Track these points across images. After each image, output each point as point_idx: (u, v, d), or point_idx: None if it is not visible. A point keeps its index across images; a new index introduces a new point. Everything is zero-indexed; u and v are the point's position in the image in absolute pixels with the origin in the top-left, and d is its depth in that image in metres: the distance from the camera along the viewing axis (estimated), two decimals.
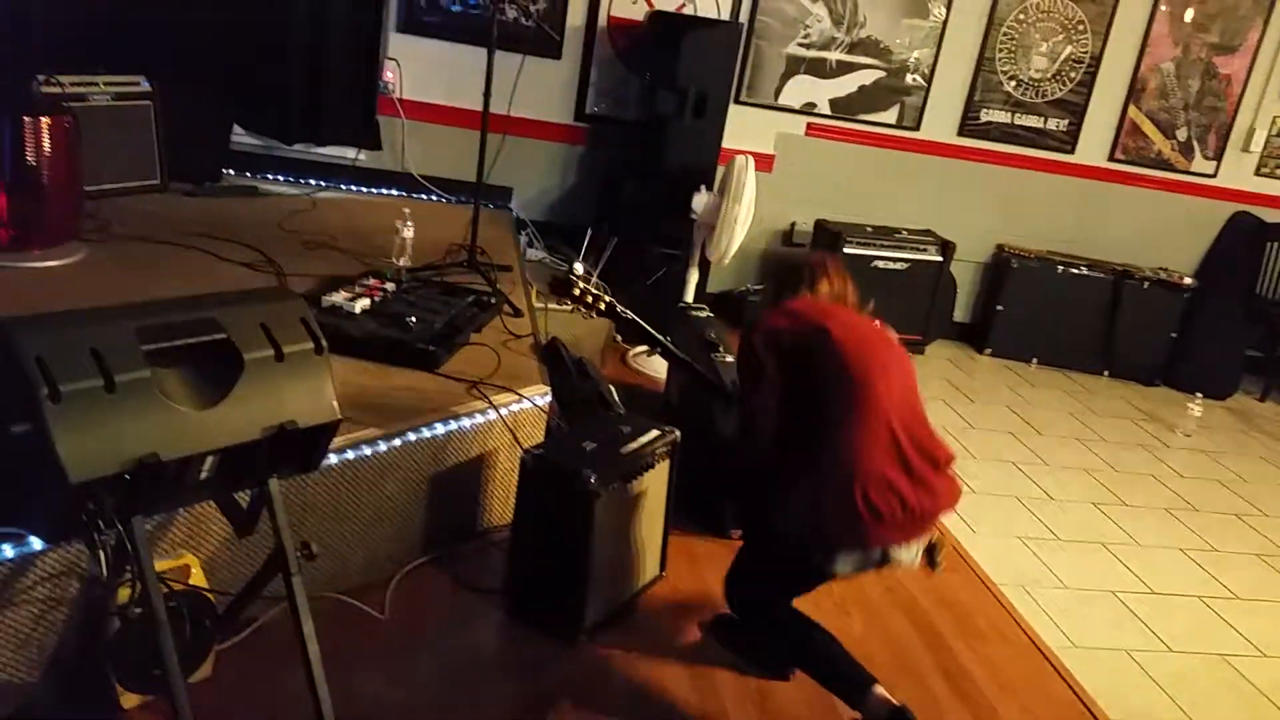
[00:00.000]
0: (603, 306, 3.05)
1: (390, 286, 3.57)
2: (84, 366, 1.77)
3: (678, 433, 2.97)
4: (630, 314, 3.11)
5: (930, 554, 2.49)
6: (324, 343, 2.17)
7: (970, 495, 4.23)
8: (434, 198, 5.21)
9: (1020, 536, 3.97)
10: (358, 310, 3.28)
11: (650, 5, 5.37)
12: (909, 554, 2.40)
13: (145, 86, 4.15)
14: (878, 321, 2.62)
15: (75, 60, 3.97)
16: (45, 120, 3.37)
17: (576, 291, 3.02)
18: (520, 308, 3.86)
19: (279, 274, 3.66)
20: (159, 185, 4.23)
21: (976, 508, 4.10)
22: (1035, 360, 6.16)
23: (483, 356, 3.31)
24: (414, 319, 3.29)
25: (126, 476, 1.75)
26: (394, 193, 5.17)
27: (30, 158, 3.34)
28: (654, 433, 2.92)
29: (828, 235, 5.67)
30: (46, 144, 3.37)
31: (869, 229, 5.71)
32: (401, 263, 3.94)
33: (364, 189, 5.15)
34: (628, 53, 5.44)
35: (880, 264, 5.64)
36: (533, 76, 5.08)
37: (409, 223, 3.96)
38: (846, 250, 5.51)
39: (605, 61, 5.46)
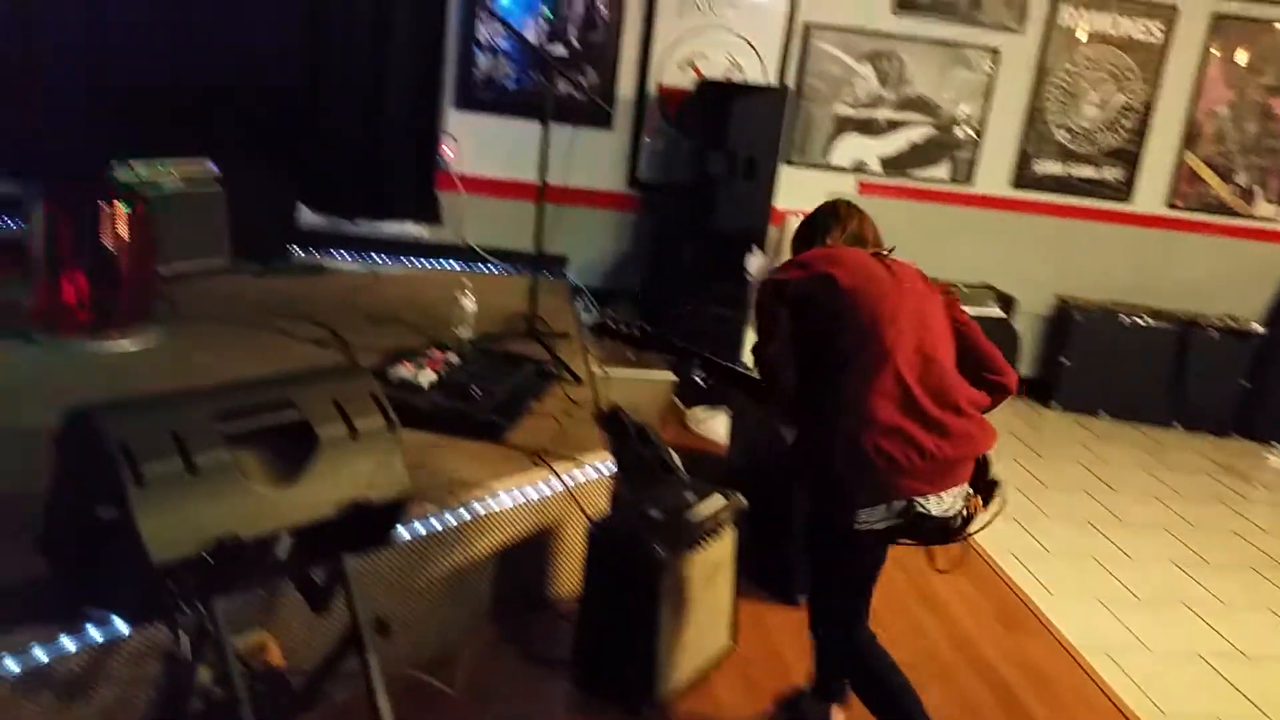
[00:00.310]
0: (638, 334, 2.97)
1: (453, 358, 3.61)
2: (165, 450, 1.81)
3: (742, 498, 2.94)
4: (669, 337, 3.04)
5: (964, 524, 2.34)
6: (395, 418, 2.20)
7: (1045, 556, 4.13)
8: (492, 269, 5.29)
9: (1099, 598, 3.85)
10: (423, 383, 3.32)
11: (699, 74, 5.46)
12: (939, 505, 2.26)
13: (213, 170, 4.29)
14: (898, 262, 2.49)
15: (147, 145, 4.13)
16: (120, 207, 3.49)
17: (613, 327, 2.98)
18: (580, 375, 3.88)
19: (347, 349, 3.73)
20: (228, 266, 4.35)
21: (1052, 569, 3.99)
22: (1104, 413, 6.03)
23: (546, 425, 3.32)
24: (477, 390, 3.32)
25: (207, 557, 1.78)
26: (454, 265, 5.26)
27: (107, 244, 3.46)
28: (719, 499, 2.90)
29: None
30: (122, 230, 3.49)
31: None
32: (464, 334, 3.99)
33: (425, 262, 5.25)
34: (678, 120, 5.52)
35: None
36: (585, 146, 5.19)
37: (470, 294, 4.02)
38: None
39: (655, 129, 5.54)
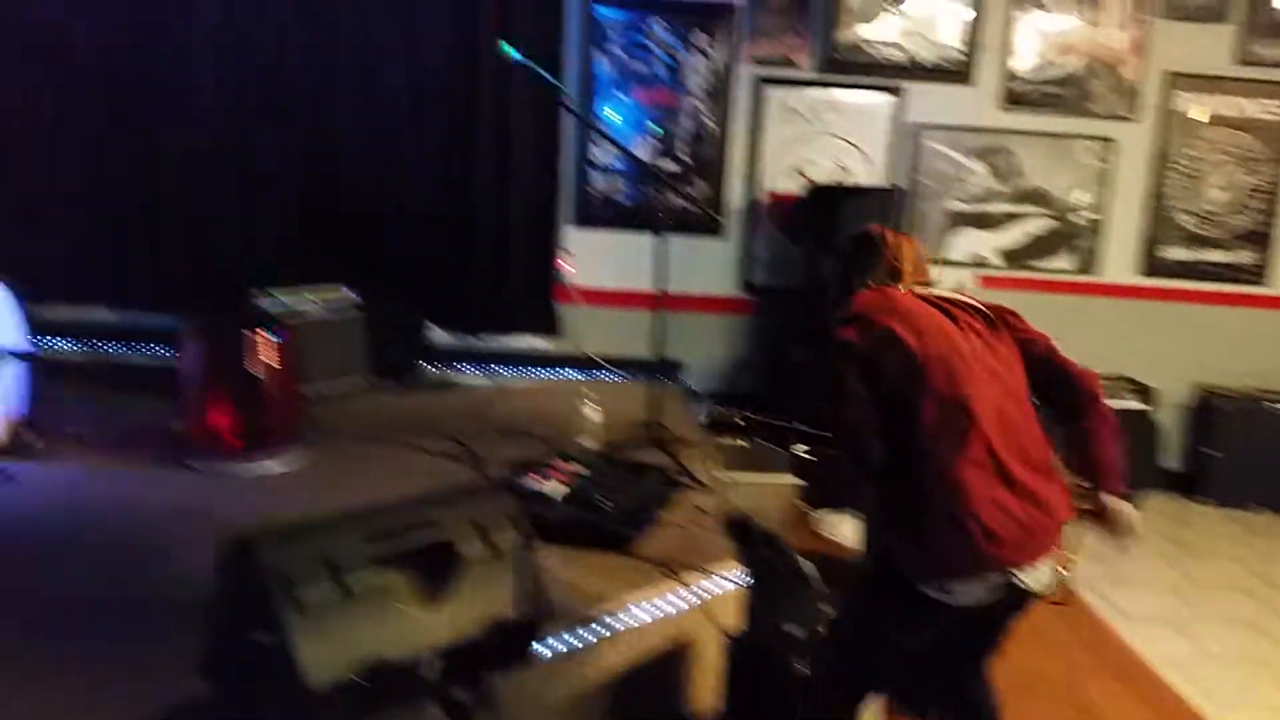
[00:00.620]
0: (743, 422, 2.93)
1: (579, 469, 3.65)
2: (319, 575, 1.88)
3: None
4: (770, 419, 2.99)
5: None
6: (533, 536, 2.24)
7: (1205, 661, 3.87)
8: (613, 377, 5.38)
9: (1269, 707, 3.57)
10: (551, 495, 3.36)
11: (807, 179, 5.53)
12: (1037, 578, 2.18)
13: (351, 296, 4.52)
14: (951, 300, 2.38)
15: (291, 274, 4.39)
16: (267, 335, 3.70)
17: (723, 419, 2.96)
18: (705, 482, 3.87)
19: (478, 463, 3.82)
20: (367, 385, 4.54)
21: (1213, 676, 3.74)
22: (1257, 506, 5.68)
23: (674, 535, 3.31)
24: (605, 500, 3.34)
25: (360, 680, 1.82)
26: (576, 375, 5.37)
27: (256, 370, 3.66)
28: None
29: None
30: (269, 357, 3.69)
31: None
32: (588, 444, 4.04)
33: (548, 373, 5.37)
34: (788, 224, 5.58)
35: None
36: (698, 254, 5.29)
37: (593, 404, 4.08)
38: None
39: (766, 234, 5.61)
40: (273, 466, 3.69)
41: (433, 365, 5.17)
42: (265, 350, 3.69)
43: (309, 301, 4.34)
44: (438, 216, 5.14)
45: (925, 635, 2.31)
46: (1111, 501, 2.29)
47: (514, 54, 3.80)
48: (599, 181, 5.46)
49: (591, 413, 4.06)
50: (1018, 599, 2.21)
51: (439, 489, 2.30)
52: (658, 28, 5.35)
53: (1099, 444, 2.33)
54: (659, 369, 4.29)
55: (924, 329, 2.27)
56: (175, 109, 4.97)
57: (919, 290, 2.45)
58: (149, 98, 4.97)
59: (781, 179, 5.57)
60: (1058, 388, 2.37)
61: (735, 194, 5.58)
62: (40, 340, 3.99)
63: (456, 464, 3.82)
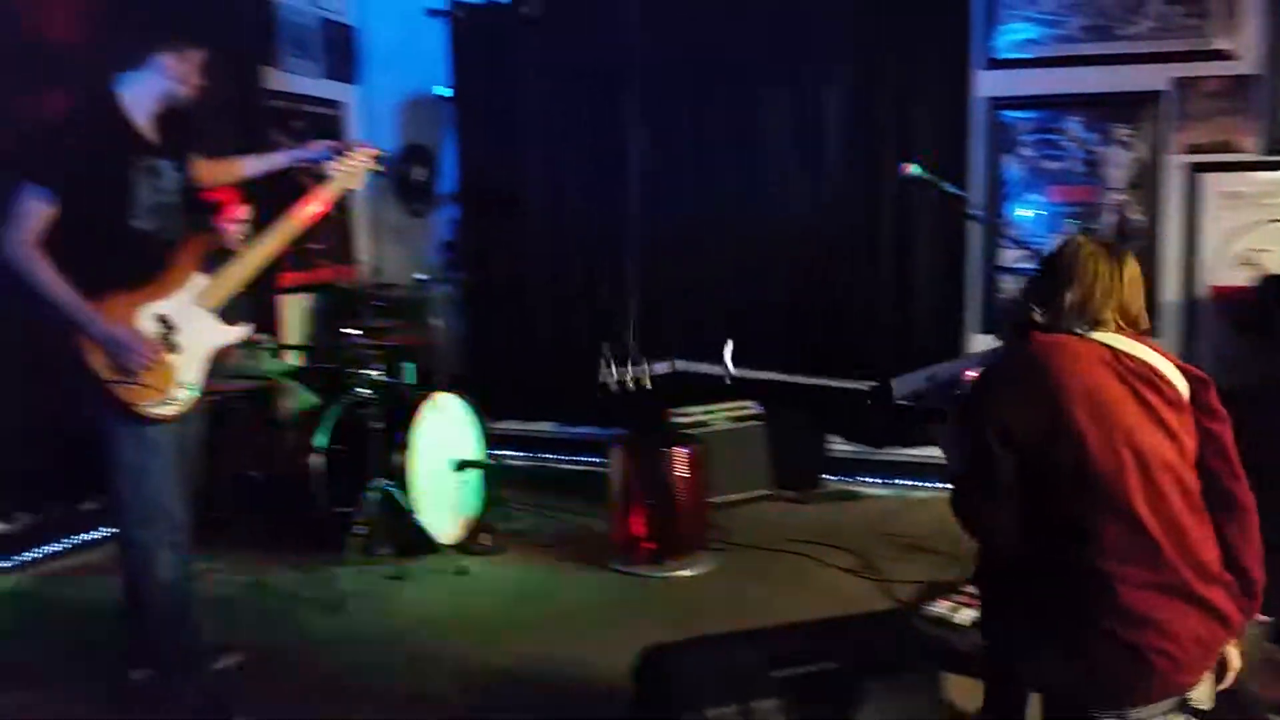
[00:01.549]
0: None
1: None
2: (724, 695, 1.96)
3: None
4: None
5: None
6: (936, 666, 2.16)
7: None
8: None
9: None
10: (961, 621, 3.21)
11: (1260, 268, 4.92)
12: (1202, 693, 1.94)
13: (756, 409, 4.70)
14: (1137, 363, 1.96)
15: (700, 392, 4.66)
16: (680, 450, 3.95)
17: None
18: None
19: (880, 581, 3.76)
20: (769, 494, 4.67)
21: None
22: None
23: None
24: None
25: None
26: None
27: (668, 482, 3.92)
28: None
29: None
30: (681, 469, 3.93)
31: None
32: None
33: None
34: (1239, 320, 4.98)
35: None
36: None
37: None
38: None
39: (1209, 331, 5.04)
40: (683, 571, 3.90)
41: (834, 476, 5.18)
42: (679, 463, 3.94)
43: (717, 415, 4.57)
44: (838, 326, 5.20)
45: None
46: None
47: (920, 172, 3.81)
48: (1008, 286, 5.24)
49: None
50: None
51: (840, 611, 2.30)
52: (1072, 124, 5.10)
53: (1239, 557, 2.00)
54: None
55: (1090, 395, 1.93)
56: (613, 242, 5.53)
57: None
58: (591, 235, 5.59)
59: (1225, 270, 5.00)
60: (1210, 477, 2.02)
61: (1169, 290, 5.09)
62: (493, 451, 4.56)
63: (858, 579, 3.80)
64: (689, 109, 5.36)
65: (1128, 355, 2.00)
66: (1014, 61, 5.06)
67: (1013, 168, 5.17)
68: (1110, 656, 1.88)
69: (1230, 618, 1.94)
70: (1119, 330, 2.04)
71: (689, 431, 4.34)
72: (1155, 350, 2.05)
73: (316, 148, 3.15)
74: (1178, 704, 1.93)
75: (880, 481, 5.19)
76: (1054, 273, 2.08)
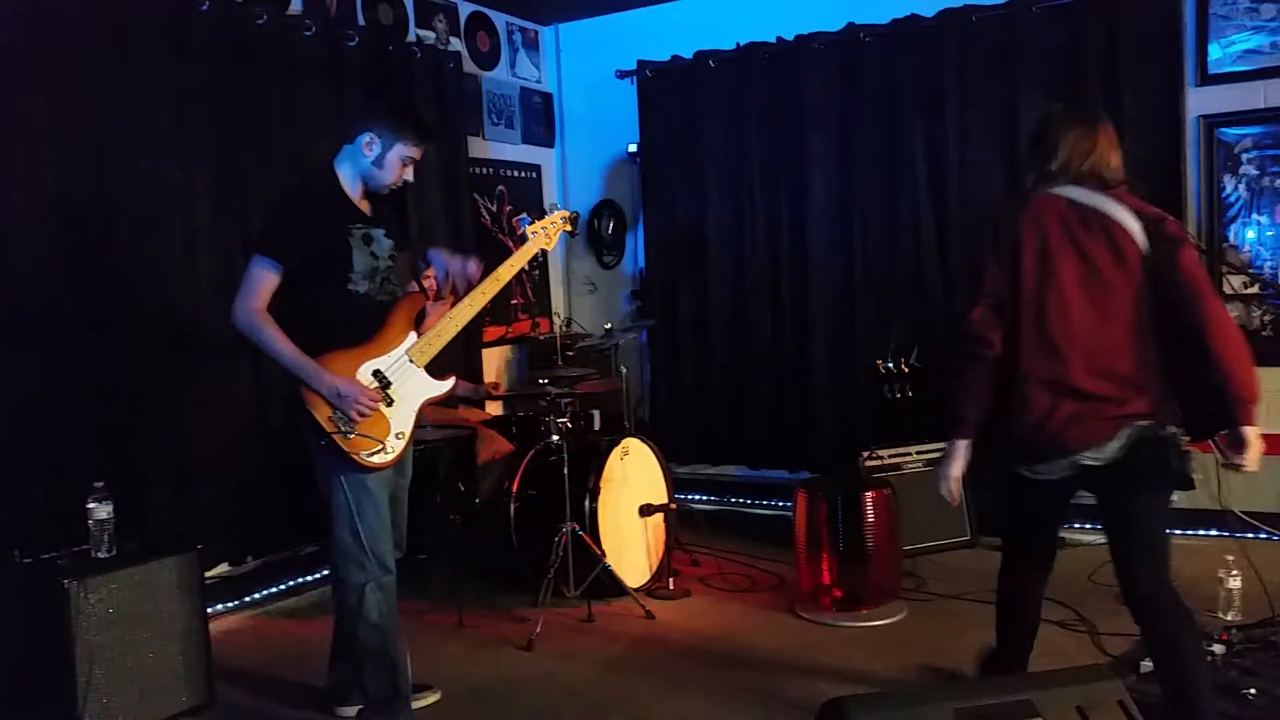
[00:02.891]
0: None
1: (1218, 649, 3.17)
2: None
3: None
4: None
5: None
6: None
7: None
8: (1261, 536, 4.62)
9: None
10: None
11: None
12: (1098, 455, 2.57)
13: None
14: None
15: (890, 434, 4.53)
16: (870, 494, 3.84)
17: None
18: None
19: (1092, 634, 3.52)
20: (969, 541, 4.45)
21: None
22: None
23: None
24: (1252, 691, 2.85)
25: None
26: (1213, 533, 4.71)
27: (858, 527, 3.81)
28: None
29: None
30: (870, 514, 3.82)
31: None
32: (1229, 618, 3.51)
33: (1179, 532, 4.78)
34: None
35: None
36: None
37: (1234, 571, 3.56)
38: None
39: None
40: (873, 620, 3.77)
41: None
42: (869, 507, 3.83)
43: (909, 457, 4.41)
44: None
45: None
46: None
47: None
48: (1233, 313, 4.82)
49: (1233, 581, 3.57)
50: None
51: (1043, 665, 2.16)
52: None
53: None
54: None
55: (1044, 238, 2.58)
56: (794, 284, 5.52)
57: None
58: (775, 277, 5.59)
59: None
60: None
61: None
62: (680, 496, 4.58)
63: (1068, 632, 3.56)
64: (880, 149, 5.27)
65: (1083, 205, 2.56)
66: (1232, 75, 4.71)
67: (1235, 187, 4.79)
68: (1021, 428, 2.58)
69: (1114, 403, 2.52)
70: (1099, 185, 2.58)
71: (880, 475, 4.21)
72: (1119, 198, 2.56)
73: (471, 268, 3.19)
74: (1070, 465, 2.59)
75: (1093, 528, 4.85)
76: (1040, 142, 2.68)
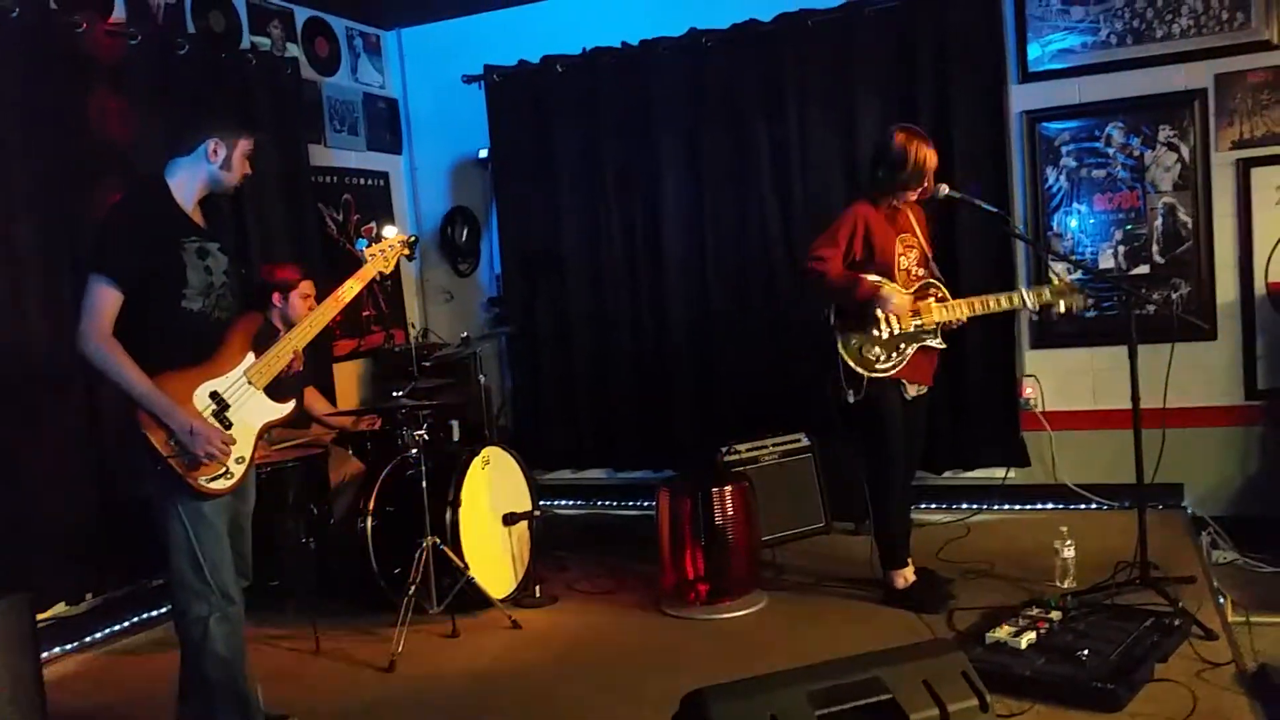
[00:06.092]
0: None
1: (1055, 615, 3.36)
2: None
3: None
4: None
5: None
6: (988, 699, 2.10)
7: None
8: (1092, 506, 4.92)
9: None
10: (1023, 645, 3.12)
11: None
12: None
13: (805, 441, 4.63)
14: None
15: (749, 429, 4.63)
16: (729, 488, 3.92)
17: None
18: (1213, 628, 3.35)
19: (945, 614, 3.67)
20: (824, 528, 4.58)
21: None
22: None
23: (1175, 694, 2.89)
24: (1085, 651, 3.03)
25: None
26: (1049, 506, 5.00)
27: (719, 521, 3.88)
28: None
29: None
30: (730, 508, 3.89)
31: None
32: (1065, 586, 3.73)
33: (1016, 506, 5.05)
34: None
35: None
36: (1185, 362, 4.67)
37: (1069, 541, 3.78)
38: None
39: (1272, 331, 4.86)
40: (735, 611, 3.84)
41: None
42: (727, 500, 3.90)
43: (766, 450, 4.51)
44: None
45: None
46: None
47: (953, 193, 3.84)
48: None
49: (1066, 549, 3.77)
50: None
51: (889, 650, 2.25)
52: (1114, 130, 5.00)
53: None
54: (1150, 495, 3.84)
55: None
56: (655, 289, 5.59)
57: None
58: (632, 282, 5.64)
59: None
60: None
61: (1227, 291, 4.93)
62: (544, 502, 4.57)
63: (913, 611, 3.71)
64: (727, 150, 5.38)
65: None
66: (1050, 73, 5.00)
67: (1056, 178, 5.09)
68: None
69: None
70: (919, 191, 3.75)
71: (738, 469, 4.29)
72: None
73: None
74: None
75: (941, 507, 5.08)
76: (885, 160, 3.68)
